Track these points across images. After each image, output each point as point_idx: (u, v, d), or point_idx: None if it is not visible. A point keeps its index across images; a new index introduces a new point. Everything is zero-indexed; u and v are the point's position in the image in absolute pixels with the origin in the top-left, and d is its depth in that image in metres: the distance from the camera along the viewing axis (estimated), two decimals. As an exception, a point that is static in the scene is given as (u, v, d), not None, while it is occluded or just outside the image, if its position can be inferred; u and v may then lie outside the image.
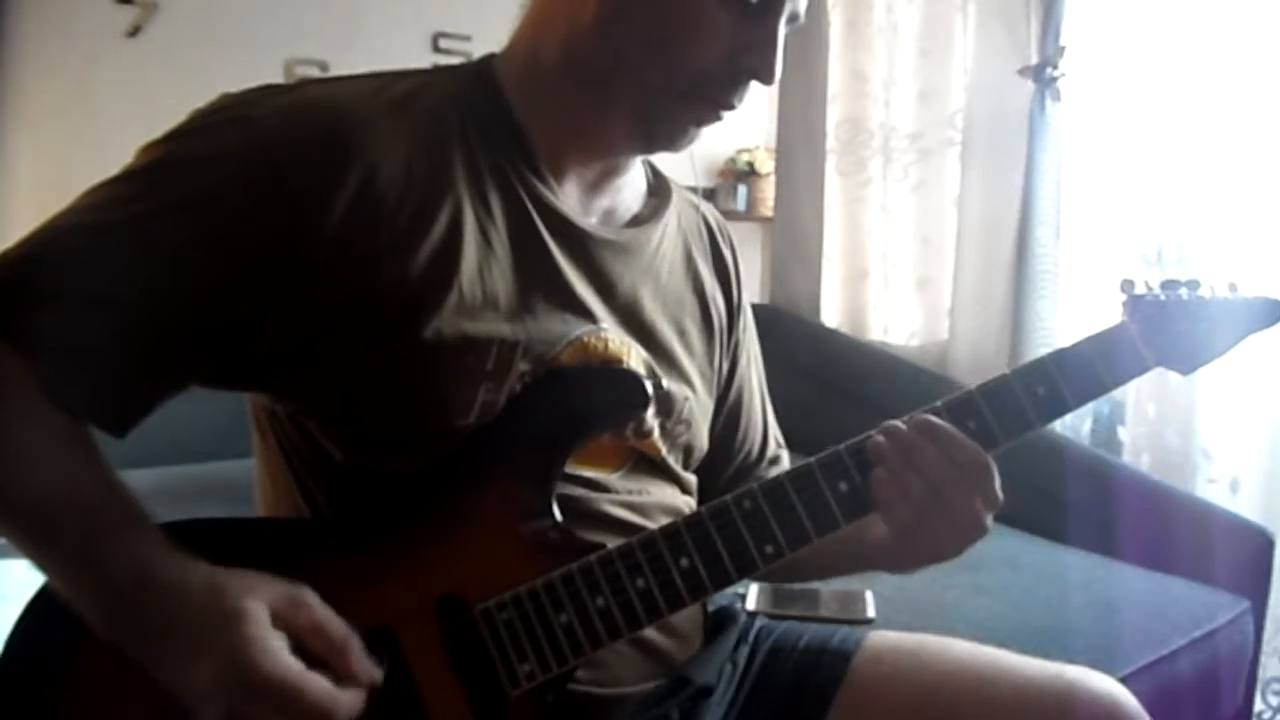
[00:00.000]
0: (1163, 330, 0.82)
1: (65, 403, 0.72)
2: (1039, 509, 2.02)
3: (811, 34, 2.70)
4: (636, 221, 0.92)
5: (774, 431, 1.09)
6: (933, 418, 0.78)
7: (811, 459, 0.79)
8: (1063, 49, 2.22)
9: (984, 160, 2.40)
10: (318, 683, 0.66)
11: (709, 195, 2.88)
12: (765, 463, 1.07)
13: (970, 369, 2.40)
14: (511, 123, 0.84)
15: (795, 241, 2.86)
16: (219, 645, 0.65)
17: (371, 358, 0.76)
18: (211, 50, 2.27)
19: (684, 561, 0.76)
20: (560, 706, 0.76)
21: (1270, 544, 1.86)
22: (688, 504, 0.92)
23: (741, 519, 0.77)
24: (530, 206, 0.83)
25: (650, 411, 0.87)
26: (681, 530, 0.77)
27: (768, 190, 2.99)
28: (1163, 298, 0.83)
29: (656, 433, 0.89)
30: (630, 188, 0.93)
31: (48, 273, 0.73)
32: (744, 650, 0.98)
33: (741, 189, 3.00)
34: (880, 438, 0.78)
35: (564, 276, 0.83)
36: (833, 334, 2.75)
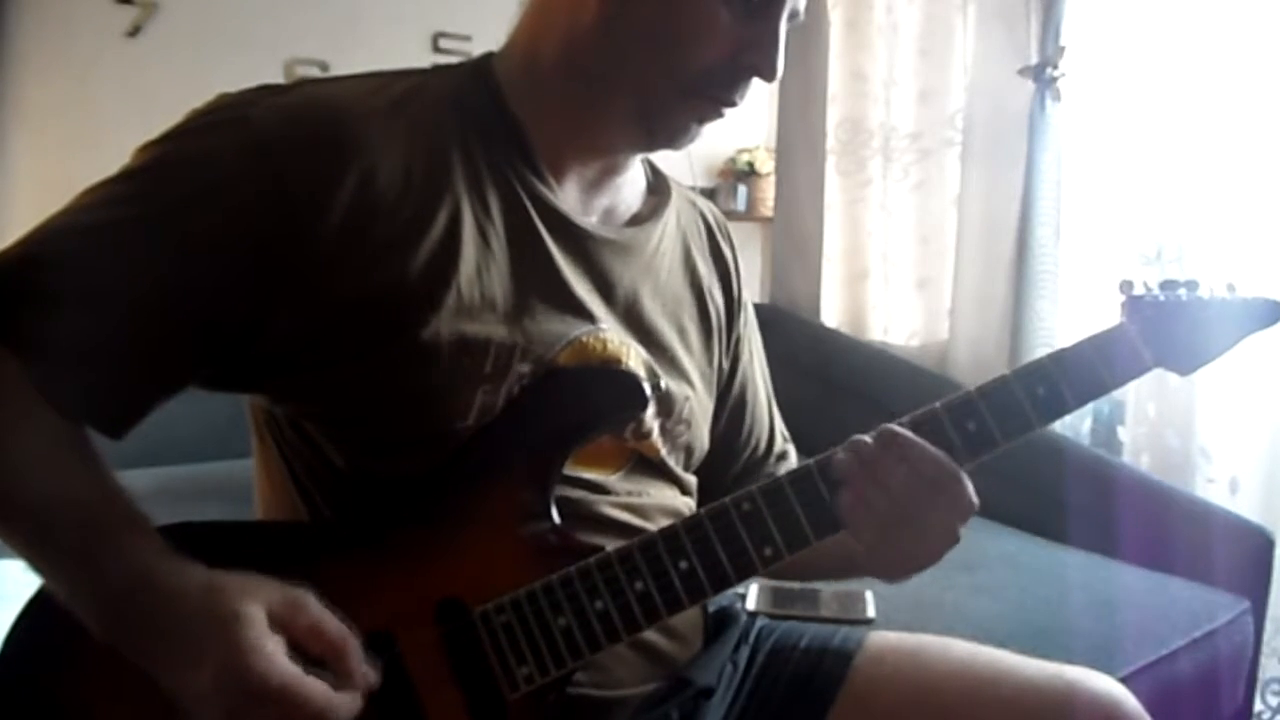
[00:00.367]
0: (1162, 331, 0.82)
1: (62, 405, 0.72)
2: (1039, 509, 2.02)
3: (811, 34, 2.70)
4: (636, 220, 0.92)
5: (780, 427, 1.09)
6: (899, 429, 0.77)
7: (811, 460, 0.79)
8: (1063, 49, 2.22)
9: (984, 160, 2.40)
10: (315, 685, 0.66)
11: (709, 195, 2.88)
12: (773, 458, 1.06)
13: (970, 369, 2.40)
14: (510, 121, 0.84)
15: (795, 241, 2.86)
16: (216, 649, 0.65)
17: (369, 359, 0.76)
18: (211, 50, 2.26)
19: (683, 564, 0.76)
20: (559, 709, 0.76)
21: (1270, 544, 1.86)
22: (687, 505, 0.92)
23: (740, 521, 0.77)
24: (529, 206, 0.83)
25: (650, 412, 0.87)
26: (680, 533, 0.76)
27: (768, 190, 2.99)
28: (1162, 298, 0.83)
29: (656, 433, 0.88)
30: (630, 186, 0.93)
31: (44, 274, 0.73)
32: (744, 651, 0.98)
33: (741, 189, 3.00)
34: (843, 455, 0.77)
35: (563, 277, 0.83)
36: (833, 334, 2.75)
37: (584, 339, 0.84)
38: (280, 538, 0.81)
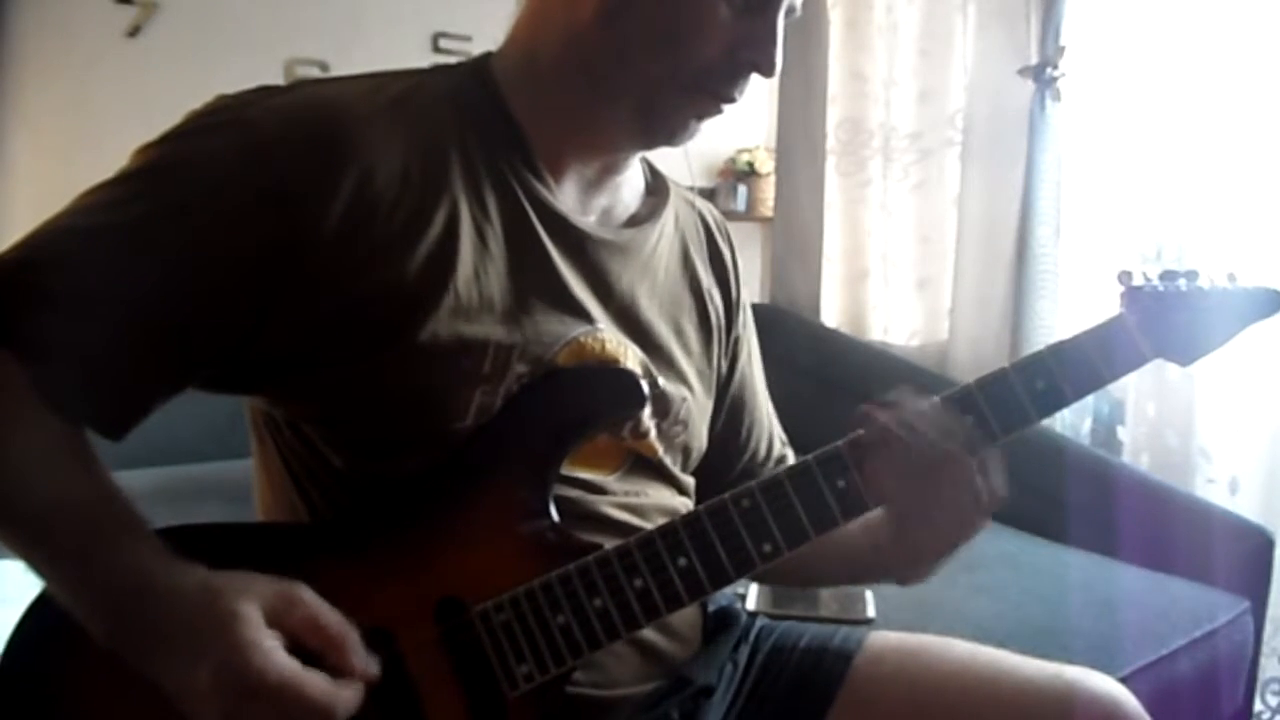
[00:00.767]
0: (1161, 321, 0.81)
1: (61, 407, 0.72)
2: (1039, 509, 2.02)
3: (811, 34, 2.70)
4: (634, 221, 0.92)
5: (778, 430, 1.09)
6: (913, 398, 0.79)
7: (809, 456, 0.79)
8: (1063, 49, 2.22)
9: (984, 160, 2.40)
10: (314, 679, 0.66)
11: (709, 195, 2.88)
12: (772, 461, 1.06)
13: (970, 369, 2.39)
14: (509, 121, 0.84)
15: (795, 241, 2.86)
16: (214, 649, 0.65)
17: (367, 360, 0.76)
18: (211, 50, 2.26)
19: (682, 561, 0.76)
20: (559, 708, 0.76)
21: (1270, 544, 1.86)
22: (685, 505, 0.91)
23: (739, 518, 0.77)
24: (527, 206, 0.83)
25: (647, 412, 0.87)
26: (679, 530, 0.76)
27: (768, 190, 2.99)
28: (1161, 288, 0.83)
29: (653, 433, 0.88)
30: (628, 186, 0.93)
31: (43, 276, 0.73)
32: (744, 650, 0.98)
33: (741, 189, 3.00)
34: (870, 408, 0.78)
35: (561, 277, 0.83)
36: (833, 334, 2.75)
37: (582, 339, 0.84)
38: (279, 538, 0.81)
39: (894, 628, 1.05)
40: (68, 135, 2.14)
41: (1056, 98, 2.24)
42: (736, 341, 1.02)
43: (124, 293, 0.73)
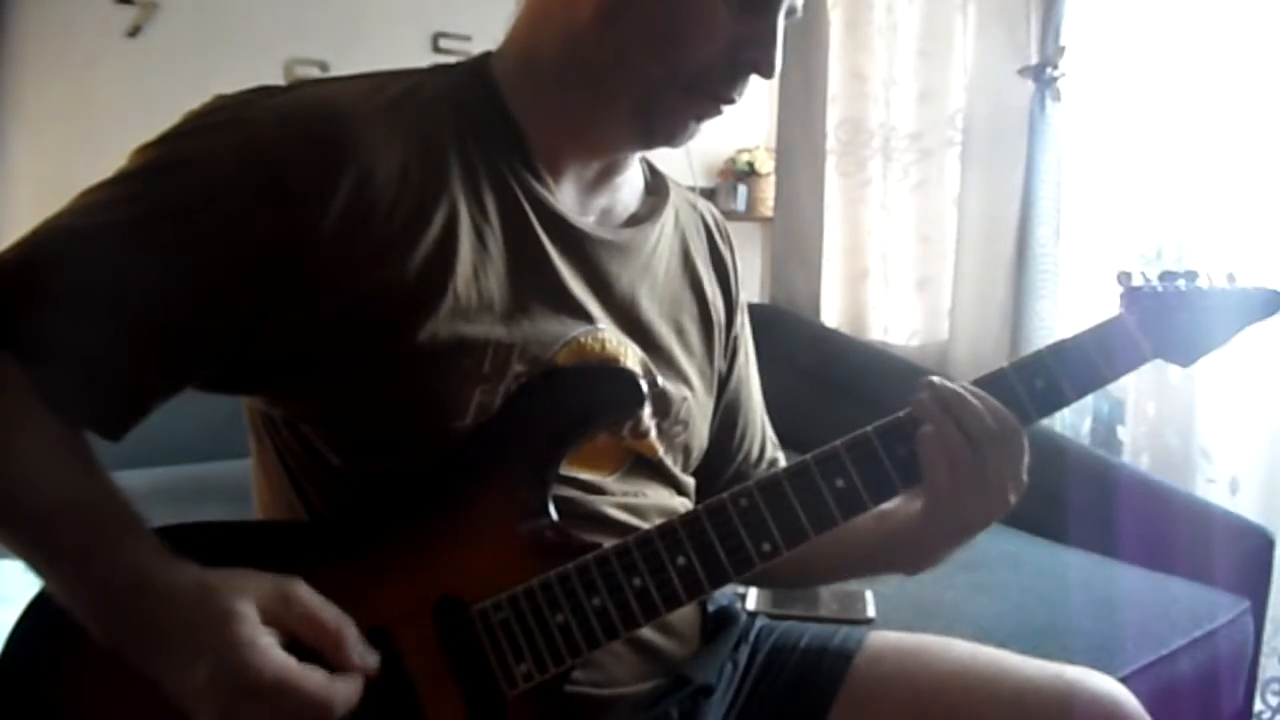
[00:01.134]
0: (1160, 321, 0.81)
1: (60, 407, 0.72)
2: (1039, 509, 2.00)
3: (811, 34, 2.70)
4: (634, 220, 0.92)
5: (770, 433, 1.09)
6: (958, 386, 0.78)
7: (808, 455, 0.79)
8: (1063, 49, 2.22)
9: (984, 160, 2.40)
10: (311, 675, 0.66)
11: (709, 195, 2.88)
12: (764, 463, 1.06)
13: (970, 369, 2.39)
14: (508, 121, 0.84)
15: (795, 241, 2.86)
16: (211, 648, 0.65)
17: (367, 361, 0.76)
18: (211, 50, 2.27)
19: (681, 560, 0.76)
20: (558, 707, 0.76)
21: (1270, 544, 1.86)
22: (684, 506, 0.91)
23: (738, 517, 0.77)
24: (526, 206, 0.82)
25: (647, 411, 0.87)
26: (678, 529, 0.76)
27: (768, 190, 2.99)
28: (1160, 289, 0.83)
29: (654, 433, 0.88)
30: (628, 186, 0.93)
31: (42, 276, 0.73)
32: (744, 650, 0.98)
33: (741, 189, 3.00)
34: (924, 394, 0.78)
35: (560, 277, 0.83)
36: (833, 334, 2.75)
37: (581, 339, 0.84)
38: (278, 537, 0.81)
39: (894, 627, 1.05)
40: (68, 135, 2.14)
41: (1056, 98, 2.24)
42: (735, 341, 1.02)
43: (123, 293, 0.73)
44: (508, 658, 0.74)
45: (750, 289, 1.04)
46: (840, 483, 0.78)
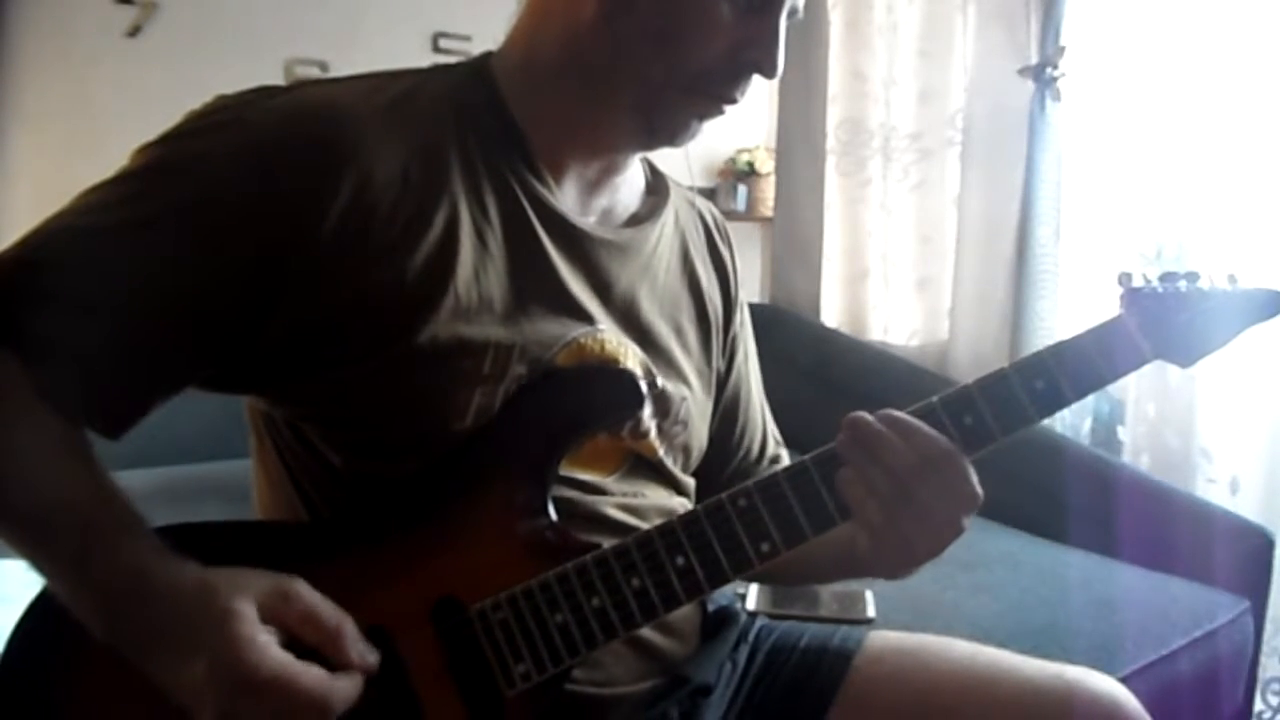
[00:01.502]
0: (1161, 322, 0.81)
1: (61, 406, 0.72)
2: (1039, 509, 2.02)
3: (811, 34, 2.70)
4: (634, 220, 0.92)
5: (772, 430, 1.09)
6: (897, 412, 0.76)
7: (807, 456, 0.79)
8: (1063, 49, 2.22)
9: (984, 160, 2.40)
10: (309, 673, 0.66)
11: (709, 195, 2.88)
12: (766, 461, 1.06)
13: (970, 369, 2.39)
14: (508, 121, 0.84)
15: (795, 241, 2.86)
16: (210, 646, 0.65)
17: (367, 362, 0.76)
18: (211, 50, 2.27)
19: (680, 560, 0.76)
20: (557, 707, 0.76)
21: (1270, 544, 1.86)
22: (684, 507, 0.91)
23: (737, 517, 0.76)
24: (527, 206, 0.82)
25: (647, 411, 0.87)
26: (677, 529, 0.76)
27: (768, 190, 2.99)
28: (1161, 290, 0.82)
29: (653, 433, 0.88)
30: (628, 186, 0.93)
31: (43, 276, 0.73)
32: (744, 650, 0.98)
33: (741, 189, 3.00)
34: (843, 434, 0.76)
35: (560, 278, 0.83)
36: (833, 334, 2.75)
37: (582, 340, 0.84)
38: (278, 538, 0.81)
39: (894, 628, 1.05)
40: (68, 135, 2.14)
41: (1056, 98, 2.24)
42: (734, 340, 1.02)
43: (124, 292, 0.73)
44: (506, 657, 0.74)
45: (750, 289, 1.04)
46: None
